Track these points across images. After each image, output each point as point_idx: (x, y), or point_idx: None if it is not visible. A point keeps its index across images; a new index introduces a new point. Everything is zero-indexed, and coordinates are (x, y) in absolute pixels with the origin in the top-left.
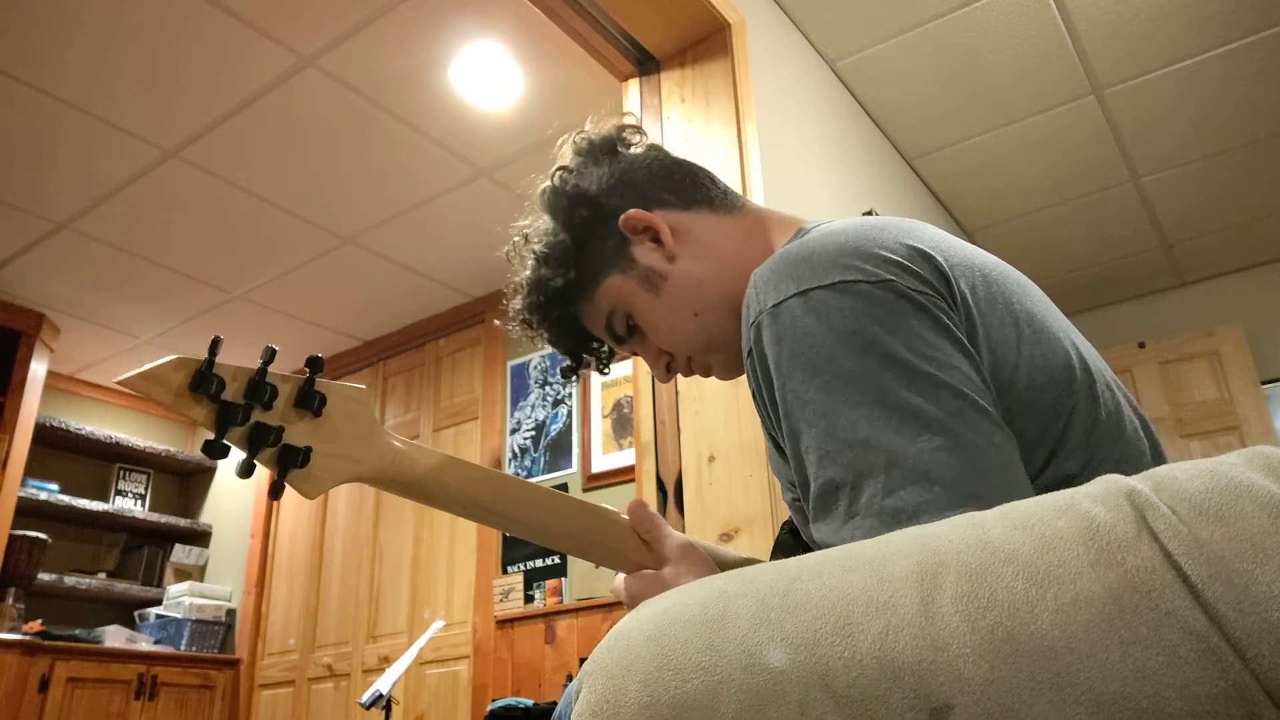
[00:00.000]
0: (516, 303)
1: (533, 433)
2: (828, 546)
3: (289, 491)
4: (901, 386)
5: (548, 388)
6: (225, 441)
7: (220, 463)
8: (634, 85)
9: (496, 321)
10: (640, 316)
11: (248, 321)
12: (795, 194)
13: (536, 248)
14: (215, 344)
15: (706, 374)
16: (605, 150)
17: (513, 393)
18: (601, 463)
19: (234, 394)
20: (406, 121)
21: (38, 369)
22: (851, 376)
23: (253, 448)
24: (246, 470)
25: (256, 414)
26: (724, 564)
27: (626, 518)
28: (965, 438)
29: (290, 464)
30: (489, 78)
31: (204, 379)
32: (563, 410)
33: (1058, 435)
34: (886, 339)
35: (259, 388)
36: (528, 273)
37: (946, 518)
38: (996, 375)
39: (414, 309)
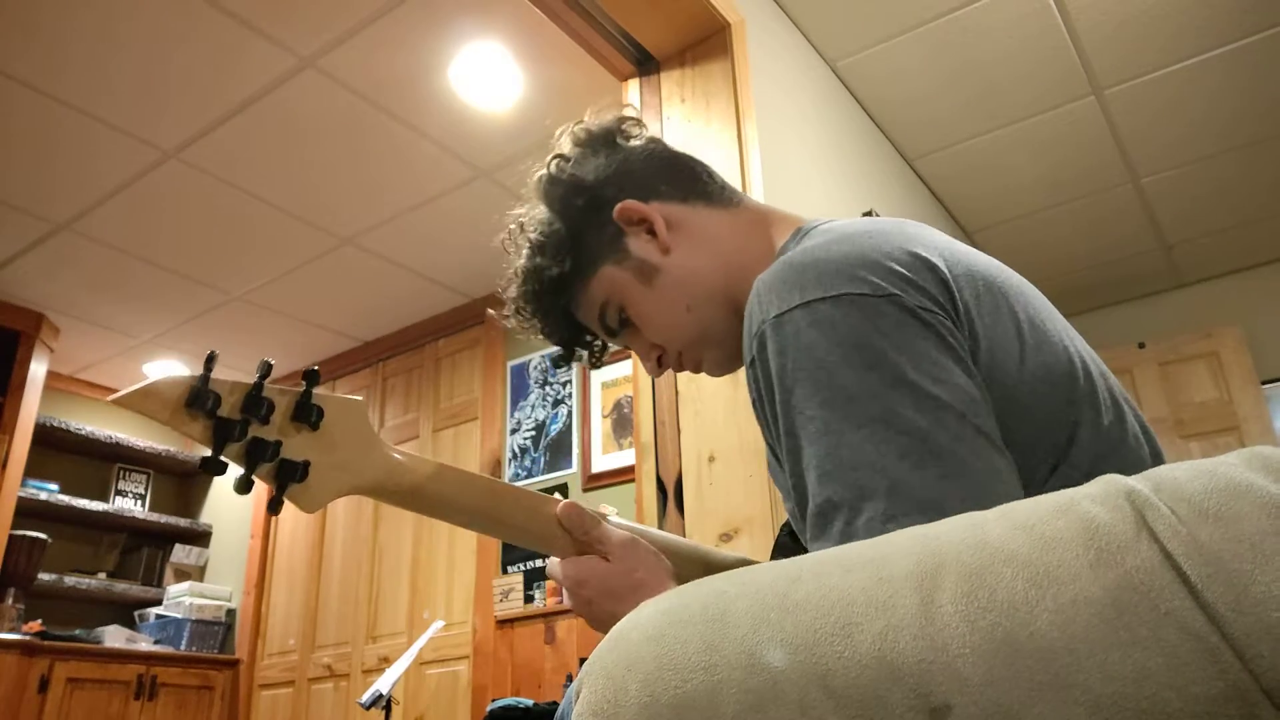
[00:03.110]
0: (511, 291)
1: (533, 433)
2: None
3: None
4: (906, 407)
5: (548, 388)
6: (223, 458)
7: None
8: (634, 85)
9: (491, 311)
10: (633, 308)
11: (247, 322)
12: (795, 194)
13: (532, 236)
14: (210, 359)
15: (697, 369)
16: (604, 141)
17: (512, 393)
18: (601, 463)
19: (230, 409)
20: (406, 122)
21: (37, 369)
22: (855, 394)
23: (251, 463)
24: (244, 486)
25: (254, 429)
26: (711, 564)
27: (620, 520)
28: (969, 465)
29: (289, 478)
30: (489, 78)
31: (199, 395)
32: (563, 410)
33: (1062, 444)
34: (892, 356)
35: (256, 402)
36: (522, 261)
37: None
38: (998, 386)
39: (413, 310)
